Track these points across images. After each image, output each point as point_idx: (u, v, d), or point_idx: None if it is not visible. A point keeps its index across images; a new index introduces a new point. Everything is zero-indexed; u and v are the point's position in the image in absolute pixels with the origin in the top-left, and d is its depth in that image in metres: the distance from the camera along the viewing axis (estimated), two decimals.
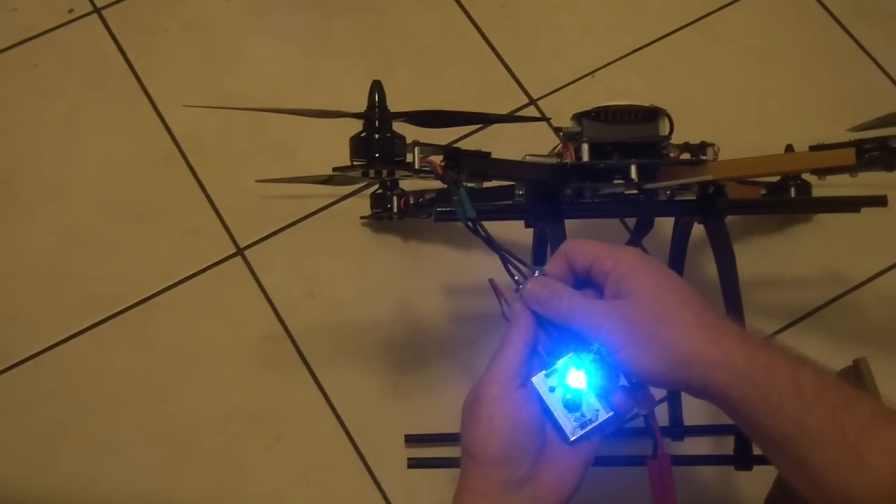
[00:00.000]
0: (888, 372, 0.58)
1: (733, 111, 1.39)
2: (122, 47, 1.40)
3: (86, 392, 1.20)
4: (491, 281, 0.78)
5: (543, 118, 1.31)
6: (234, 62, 1.41)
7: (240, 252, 1.28)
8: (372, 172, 0.88)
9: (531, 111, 1.38)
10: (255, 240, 1.29)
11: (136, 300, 1.25)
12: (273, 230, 1.30)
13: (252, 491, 1.16)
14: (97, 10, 1.43)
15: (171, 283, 1.26)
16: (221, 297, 1.26)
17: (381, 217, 1.26)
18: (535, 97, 1.39)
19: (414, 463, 1.10)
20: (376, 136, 0.86)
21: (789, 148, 1.26)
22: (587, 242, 0.70)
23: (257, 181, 1.26)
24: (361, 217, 1.29)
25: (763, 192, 1.24)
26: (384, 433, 1.19)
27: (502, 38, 1.44)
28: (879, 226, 1.27)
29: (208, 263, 1.28)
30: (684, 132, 1.01)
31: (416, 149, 0.87)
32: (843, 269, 1.29)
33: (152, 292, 1.26)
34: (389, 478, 1.17)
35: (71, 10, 1.43)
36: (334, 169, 1.14)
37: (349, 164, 0.88)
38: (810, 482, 0.66)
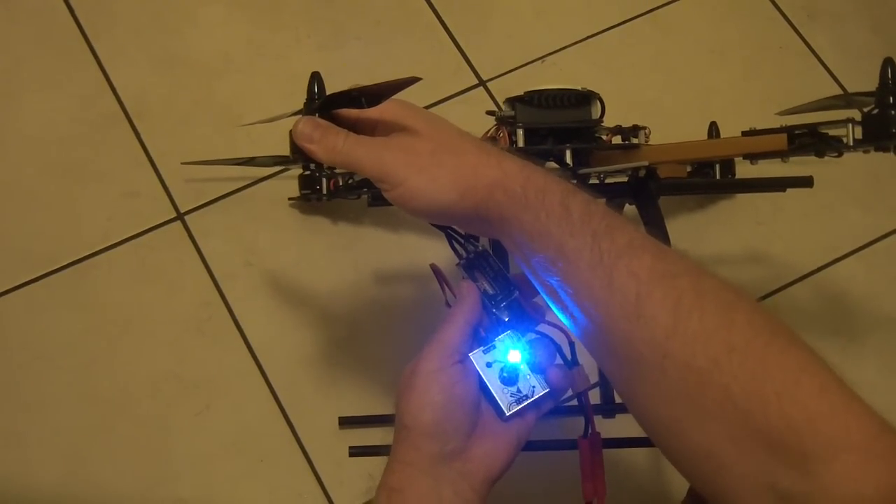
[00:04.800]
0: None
1: (680, 103, 1.40)
2: (70, 3, 1.38)
3: (16, 349, 1.19)
4: (433, 266, 0.79)
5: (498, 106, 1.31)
6: (184, 25, 1.39)
7: (180, 217, 1.27)
8: (314, 164, 0.88)
9: (480, 92, 1.38)
10: (195, 205, 1.28)
11: (72, 260, 1.24)
12: (214, 197, 1.29)
13: (180, 455, 1.16)
14: None
15: (108, 245, 1.25)
16: (159, 261, 1.25)
17: (310, 199, 1.24)
18: (484, 79, 1.39)
19: (356, 451, 1.09)
20: None
21: (713, 125, 1.28)
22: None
23: (182, 163, 1.25)
24: (290, 198, 1.28)
25: (688, 169, 1.25)
26: (316, 405, 1.19)
27: (455, 17, 1.43)
28: (805, 206, 1.31)
29: (147, 227, 1.27)
30: (631, 121, 1.03)
31: None
32: (776, 254, 1.31)
33: (88, 253, 1.24)
34: (319, 450, 1.17)
35: None
36: (277, 160, 1.14)
37: (290, 154, 0.86)
38: (568, 311, 0.67)
